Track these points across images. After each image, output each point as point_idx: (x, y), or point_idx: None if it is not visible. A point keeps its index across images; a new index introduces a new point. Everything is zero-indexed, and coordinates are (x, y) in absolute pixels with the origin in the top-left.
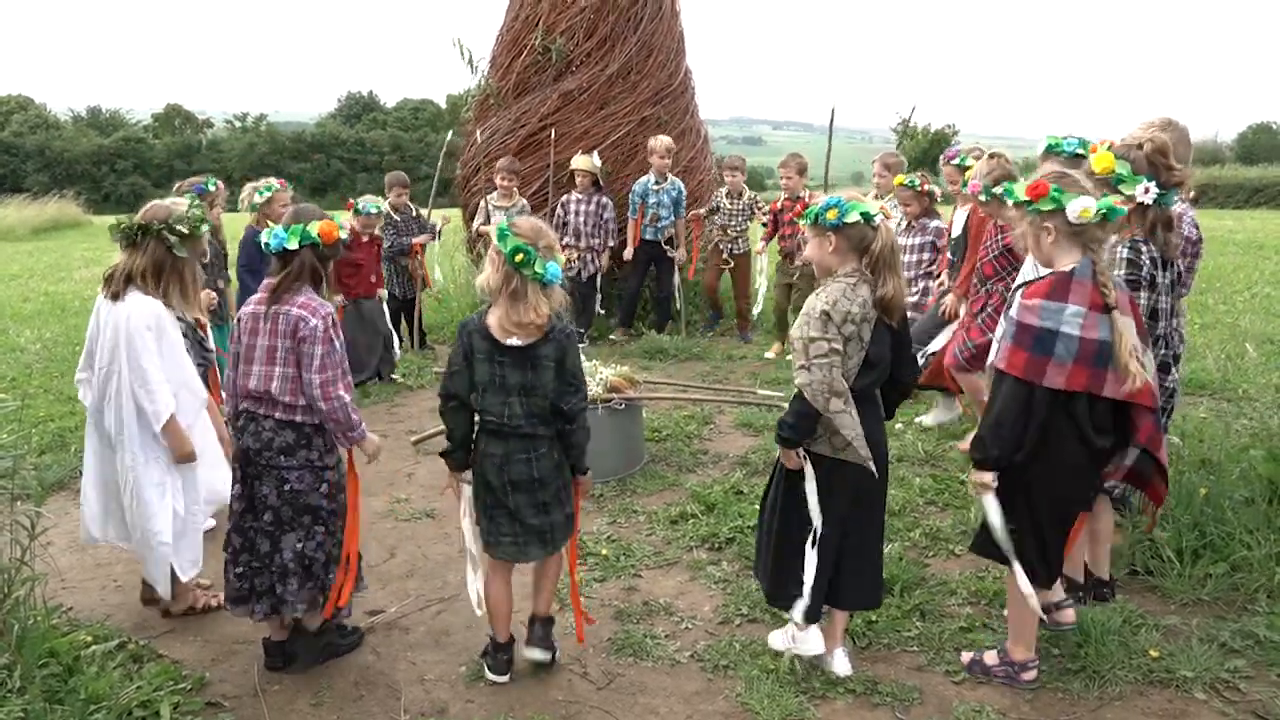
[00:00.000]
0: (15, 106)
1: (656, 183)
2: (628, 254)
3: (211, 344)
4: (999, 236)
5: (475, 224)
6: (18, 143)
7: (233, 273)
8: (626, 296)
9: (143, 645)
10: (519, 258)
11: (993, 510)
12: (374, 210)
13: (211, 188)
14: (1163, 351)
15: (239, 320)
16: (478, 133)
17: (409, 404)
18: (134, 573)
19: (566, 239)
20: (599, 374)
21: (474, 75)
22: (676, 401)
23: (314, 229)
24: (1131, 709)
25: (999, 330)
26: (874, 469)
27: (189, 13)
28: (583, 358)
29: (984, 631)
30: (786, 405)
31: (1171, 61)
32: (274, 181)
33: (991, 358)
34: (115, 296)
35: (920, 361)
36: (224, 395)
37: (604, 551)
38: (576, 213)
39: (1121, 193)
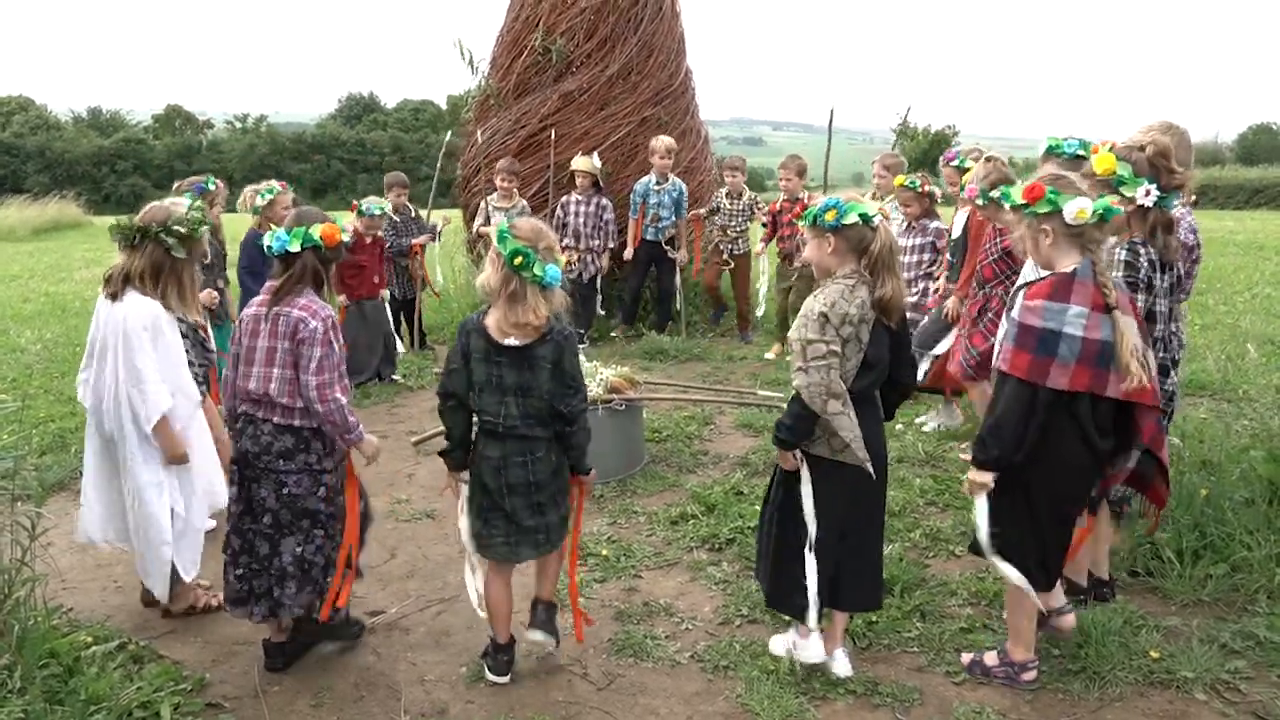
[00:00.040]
0: (16, 107)
1: (657, 183)
2: (628, 254)
3: (213, 345)
4: (998, 240)
5: (475, 225)
6: (18, 143)
7: (232, 274)
8: (628, 294)
9: (143, 646)
10: (518, 260)
11: (982, 510)
12: (378, 212)
13: (211, 187)
14: (1161, 354)
15: (240, 322)
16: (478, 133)
17: (409, 405)
18: (135, 574)
19: (566, 240)
20: (599, 375)
21: (474, 76)
22: (677, 402)
23: (316, 231)
24: (1132, 710)
25: (1000, 332)
26: (872, 470)
27: (189, 14)
28: (583, 359)
29: (984, 632)
30: (786, 406)
31: (1172, 62)
32: (275, 184)
33: (994, 360)
34: (113, 297)
35: (925, 365)
36: (222, 396)
37: (604, 552)
38: (576, 214)
39: (1122, 194)
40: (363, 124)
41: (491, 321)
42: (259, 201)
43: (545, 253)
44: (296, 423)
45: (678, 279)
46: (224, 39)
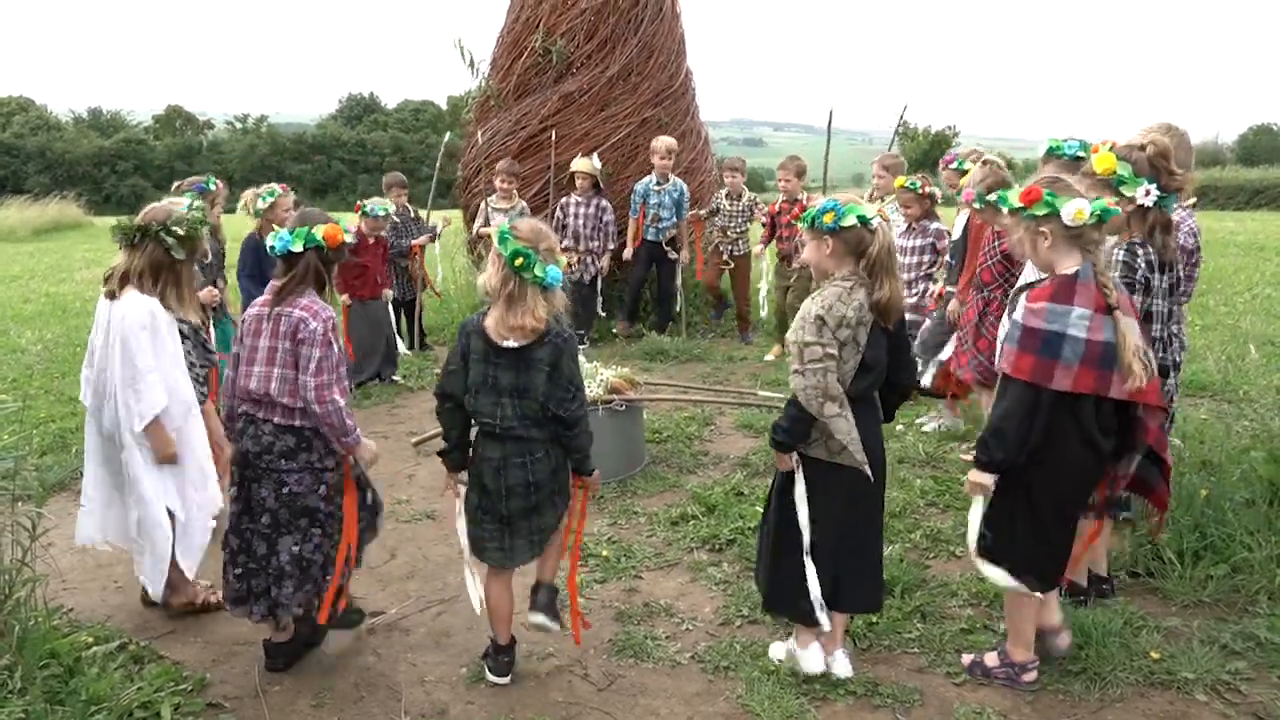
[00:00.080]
0: (16, 108)
1: (658, 183)
2: (627, 253)
3: (214, 345)
4: (996, 243)
5: (475, 226)
6: (19, 144)
7: (232, 276)
8: (630, 290)
9: (143, 646)
10: (519, 261)
11: (977, 512)
12: (382, 213)
13: (212, 187)
14: (1161, 355)
15: (243, 322)
16: (479, 134)
17: (410, 405)
18: (135, 574)
19: (566, 242)
20: (599, 375)
21: (475, 77)
22: (677, 403)
23: (319, 232)
24: (1132, 711)
25: (1000, 333)
26: (870, 472)
27: (190, 14)
28: (583, 359)
29: (985, 633)
30: (783, 408)
31: (1173, 63)
32: (276, 187)
33: (996, 361)
34: (112, 295)
35: (932, 370)
36: (221, 395)
37: (605, 553)
38: (576, 215)
39: (1122, 194)
40: (363, 124)
41: (490, 323)
42: (260, 204)
43: (546, 254)
44: (297, 423)
45: (678, 280)
46: (224, 39)
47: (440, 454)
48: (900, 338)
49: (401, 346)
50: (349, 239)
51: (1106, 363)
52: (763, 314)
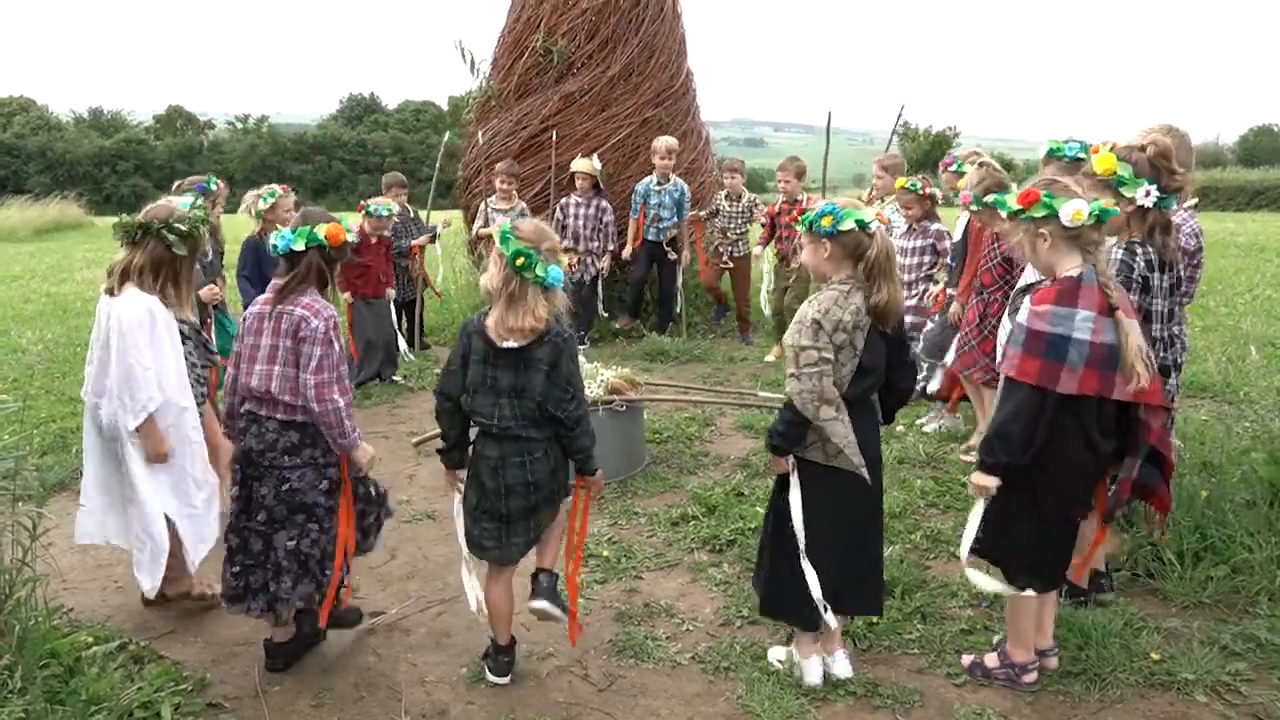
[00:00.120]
0: (17, 108)
1: (659, 184)
2: (626, 252)
3: (215, 345)
4: (996, 244)
5: (475, 227)
6: (19, 144)
7: (231, 275)
8: (631, 290)
9: (144, 646)
10: (520, 261)
11: (977, 515)
12: (386, 213)
13: (213, 187)
14: (1161, 355)
15: (244, 320)
16: (479, 134)
17: (410, 405)
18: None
19: (565, 242)
20: (600, 376)
21: (475, 77)
22: (677, 403)
23: (321, 231)
24: (1132, 712)
25: (1001, 334)
26: (867, 476)
27: (190, 14)
28: (583, 360)
29: (985, 634)
30: (779, 412)
31: (1173, 63)
32: (276, 188)
33: (1000, 364)
34: (111, 292)
35: (939, 376)
36: (220, 394)
37: (605, 553)
38: (576, 216)
39: (1122, 194)
40: (364, 125)
41: (490, 323)
42: (260, 206)
43: (548, 254)
44: (299, 419)
45: (679, 281)
46: (225, 40)
47: (439, 452)
48: (899, 342)
49: (402, 346)
50: (351, 238)
51: (1110, 364)
52: (765, 313)
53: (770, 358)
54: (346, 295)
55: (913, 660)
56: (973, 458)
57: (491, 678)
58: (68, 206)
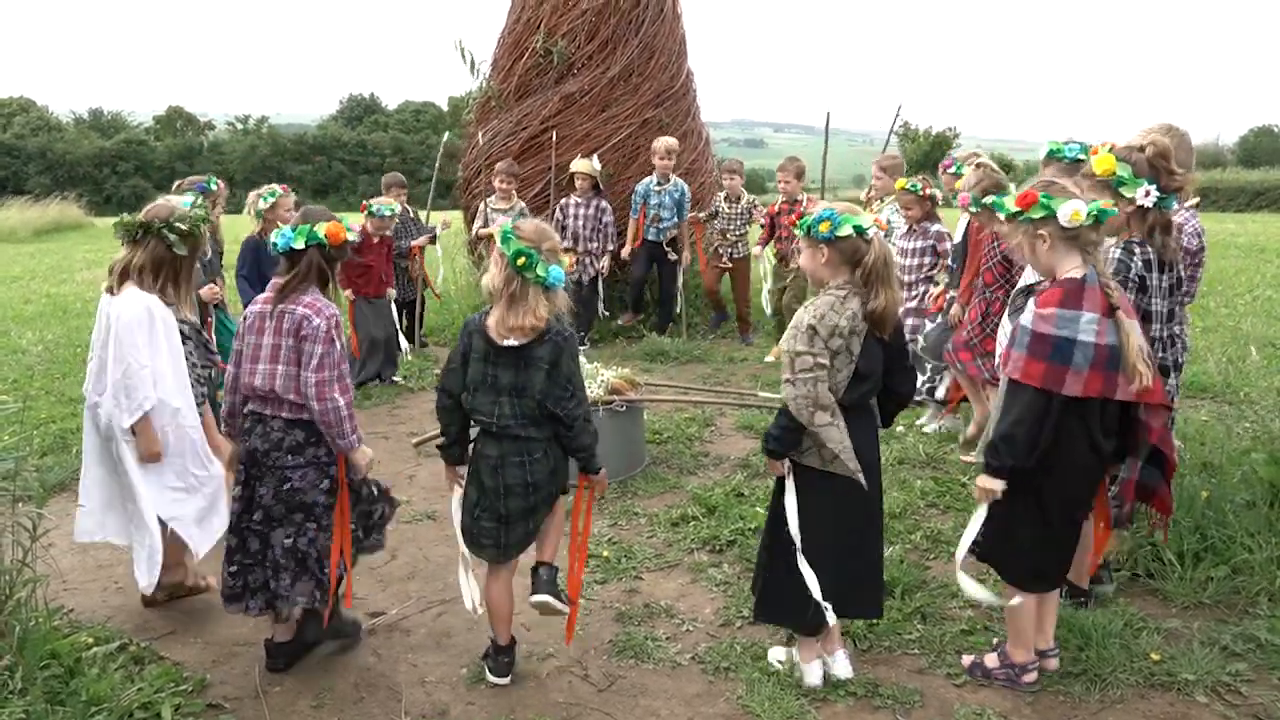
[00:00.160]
0: (17, 109)
1: (659, 184)
2: (625, 252)
3: (215, 345)
4: (996, 243)
5: (474, 227)
6: (20, 145)
7: (230, 275)
8: (632, 285)
9: (144, 647)
10: (521, 261)
11: (979, 519)
12: (388, 213)
13: (213, 187)
14: (1161, 355)
15: (244, 319)
16: (479, 135)
17: (410, 406)
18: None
19: (565, 243)
20: (600, 376)
21: (475, 78)
22: (678, 404)
23: (321, 230)
24: (1133, 712)
25: (1001, 335)
26: (863, 481)
27: (190, 15)
28: (583, 360)
29: (985, 634)
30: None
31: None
32: (277, 188)
33: (1003, 367)
34: (111, 291)
35: (946, 380)
36: (222, 393)
37: (605, 553)
38: (575, 216)
39: (1122, 195)
40: (364, 125)
41: (491, 322)
42: (261, 205)
43: (549, 254)
44: (304, 418)
45: (679, 281)
46: (225, 40)
47: (440, 448)
48: (897, 347)
49: (404, 345)
50: (351, 237)
51: (1113, 365)
52: (766, 312)
53: (770, 358)
54: (348, 293)
55: (913, 660)
56: (972, 458)
57: (492, 678)
58: (68, 207)
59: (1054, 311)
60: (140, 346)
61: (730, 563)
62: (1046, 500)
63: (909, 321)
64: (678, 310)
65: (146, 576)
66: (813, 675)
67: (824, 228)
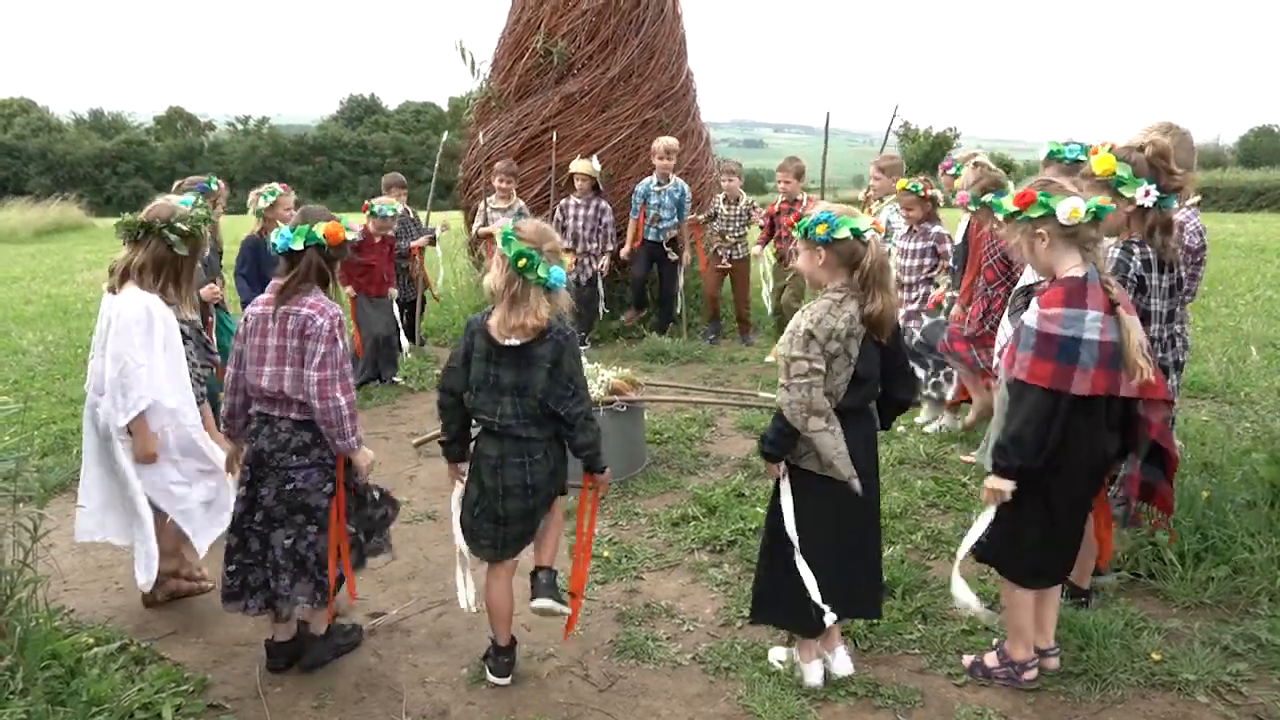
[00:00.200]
0: (18, 109)
1: (659, 184)
2: (624, 252)
3: (215, 346)
4: (995, 241)
5: (474, 226)
6: (20, 145)
7: (229, 275)
8: (634, 284)
9: (145, 647)
10: (522, 262)
11: (986, 520)
12: (390, 213)
13: (214, 187)
14: (1161, 355)
15: (246, 320)
16: (480, 135)
17: (411, 406)
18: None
19: (564, 243)
20: (601, 376)
21: (476, 78)
22: (678, 404)
23: (320, 229)
24: (1133, 712)
25: (1001, 335)
26: (858, 487)
27: (191, 16)
28: (584, 360)
29: (985, 634)
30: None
31: (1174, 64)
32: (277, 186)
33: (1006, 368)
34: (112, 290)
35: (955, 385)
36: (222, 394)
37: (605, 553)
38: (575, 217)
39: (1122, 195)
40: (364, 126)
41: (493, 322)
42: (261, 204)
43: (550, 255)
44: (313, 418)
45: (680, 281)
46: (225, 41)
47: (441, 444)
48: (895, 351)
49: (404, 344)
50: (350, 236)
51: (1116, 362)
52: (768, 310)
53: (770, 358)
54: (349, 289)
55: (914, 660)
56: (973, 457)
57: (492, 678)
58: (68, 208)
59: (1059, 311)
60: (138, 346)
61: (731, 563)
62: (1054, 500)
63: (910, 325)
64: (678, 311)
65: (145, 575)
66: (813, 675)
67: (821, 230)
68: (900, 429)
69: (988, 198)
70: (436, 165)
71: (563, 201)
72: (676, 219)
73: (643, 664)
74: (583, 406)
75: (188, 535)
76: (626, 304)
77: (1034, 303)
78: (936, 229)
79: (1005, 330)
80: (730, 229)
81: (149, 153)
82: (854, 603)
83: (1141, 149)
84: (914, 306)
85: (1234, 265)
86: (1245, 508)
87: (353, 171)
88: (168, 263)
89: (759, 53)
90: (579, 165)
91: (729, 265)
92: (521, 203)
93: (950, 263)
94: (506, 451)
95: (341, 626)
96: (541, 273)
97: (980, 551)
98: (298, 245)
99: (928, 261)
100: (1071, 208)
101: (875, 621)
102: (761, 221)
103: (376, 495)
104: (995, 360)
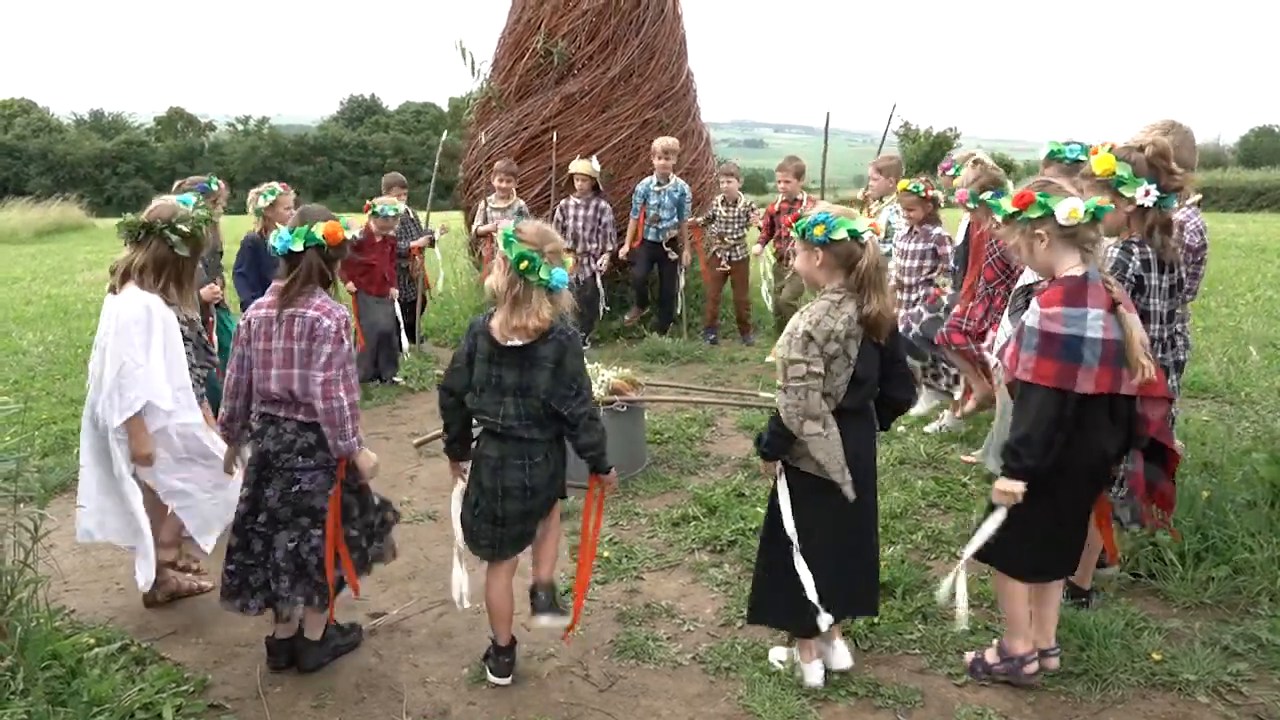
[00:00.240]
0: (18, 110)
1: (658, 184)
2: (623, 251)
3: (215, 347)
4: (994, 240)
5: (474, 226)
6: (21, 146)
7: (228, 275)
8: (635, 284)
9: (145, 648)
10: (524, 264)
11: (995, 522)
12: (392, 213)
13: (214, 187)
14: (1161, 355)
15: (249, 324)
16: (480, 135)
17: (411, 406)
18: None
19: (565, 244)
20: (601, 376)
21: (476, 78)
22: (678, 404)
23: (319, 230)
24: (1134, 712)
25: (1000, 336)
26: (850, 493)
27: (191, 16)
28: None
29: (986, 634)
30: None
31: (1173, 64)
32: (276, 186)
33: (1009, 368)
34: (113, 290)
35: (960, 391)
36: (223, 396)
37: (606, 554)
38: (575, 217)
39: (1122, 195)
40: (365, 126)
41: (495, 324)
42: (260, 203)
43: (551, 256)
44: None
45: (680, 281)
46: (226, 41)
47: (444, 443)
48: (893, 352)
49: (405, 343)
50: (349, 235)
51: (1119, 360)
52: (769, 308)
53: (771, 358)
54: (350, 285)
55: (914, 660)
56: (973, 458)
57: (492, 678)
58: (69, 208)
59: (1059, 310)
60: (137, 346)
61: (731, 563)
62: (1062, 500)
63: (909, 319)
64: (678, 311)
65: (144, 575)
66: (813, 675)
67: (819, 231)
68: (900, 429)
69: (986, 196)
70: (436, 165)
71: (563, 201)
72: (676, 219)
73: (643, 664)
74: (586, 407)
75: (186, 526)
76: (627, 304)
77: (1034, 303)
78: (937, 231)
79: (1005, 329)
80: (729, 231)
81: (149, 153)
82: (853, 603)
83: (1141, 149)
84: (914, 310)
85: (1234, 265)
86: (1245, 508)
87: (353, 172)
88: (169, 263)
89: (759, 53)
90: (579, 165)
91: (728, 268)
92: (521, 202)
93: (950, 264)
94: (508, 453)
95: (340, 627)
96: (543, 274)
97: (979, 553)
98: (297, 246)
99: (928, 263)
100: (1070, 208)
101: (876, 621)
102: (760, 224)
103: (377, 501)
104: (994, 360)
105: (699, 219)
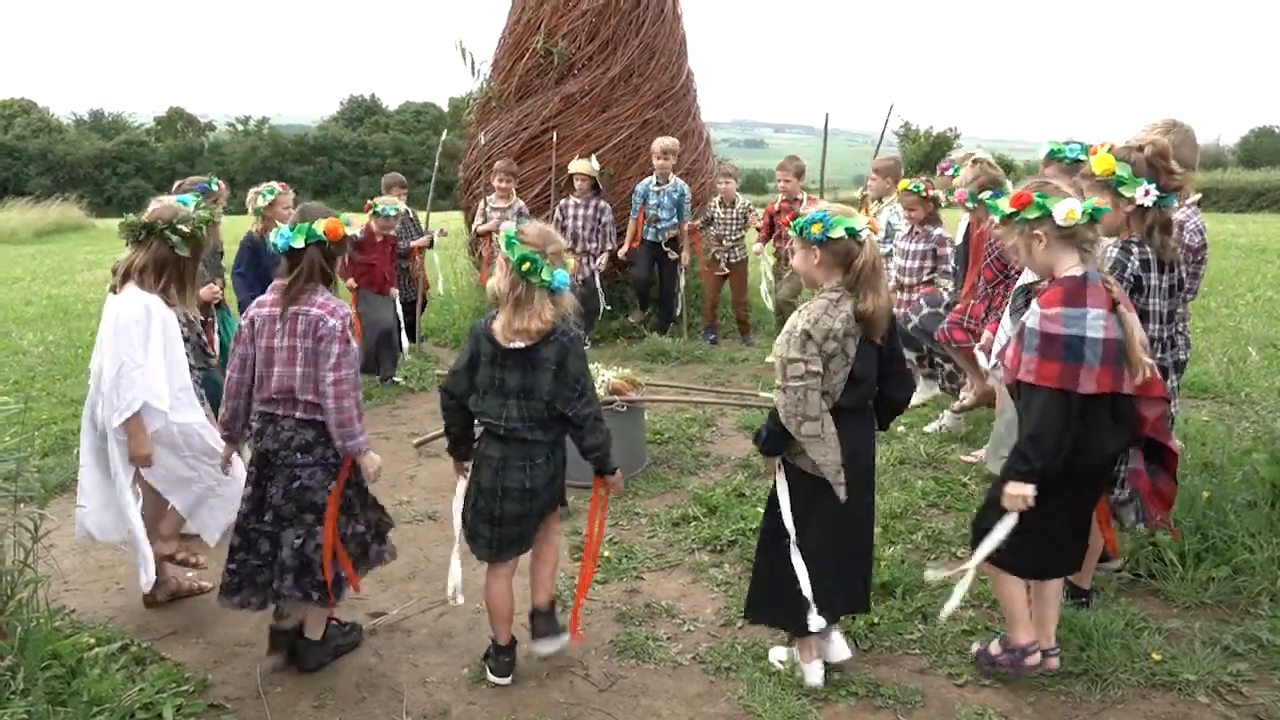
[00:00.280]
0: (18, 110)
1: (658, 184)
2: (623, 252)
3: (215, 348)
4: (993, 240)
5: (474, 225)
6: (20, 146)
7: (227, 275)
8: (637, 284)
9: (145, 647)
10: (526, 266)
11: (1006, 526)
12: (393, 213)
13: (215, 187)
14: (1161, 355)
15: (250, 323)
16: (480, 135)
17: (411, 406)
18: (137, 575)
19: (565, 244)
20: (601, 376)
21: (476, 78)
22: (678, 404)
23: (319, 227)
24: (1134, 712)
25: (1000, 336)
26: (842, 495)
27: (191, 16)
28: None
29: (986, 634)
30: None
31: (1173, 64)
32: (276, 185)
33: (1011, 369)
34: (113, 290)
35: (969, 383)
36: (223, 396)
37: (606, 554)
38: (575, 217)
39: (1121, 195)
40: (364, 126)
41: (498, 326)
42: (260, 202)
43: (553, 257)
44: (317, 417)
45: (680, 281)
46: (226, 41)
47: (447, 443)
48: (891, 352)
49: (405, 343)
50: (350, 231)
51: (1120, 359)
52: (769, 308)
53: (771, 358)
54: (350, 282)
55: (914, 660)
56: (973, 458)
57: (493, 678)
58: (69, 208)
59: (1059, 311)
60: (137, 346)
61: (731, 563)
62: (1065, 500)
63: (907, 311)
64: (678, 311)
65: (144, 575)
66: (814, 675)
67: (816, 229)
68: (900, 428)
69: (984, 195)
70: (436, 165)
71: (562, 201)
72: (675, 219)
73: (643, 664)
74: (591, 408)
75: (195, 530)
76: (626, 304)
77: (1034, 304)
78: (938, 231)
79: (1005, 328)
80: (727, 232)
81: (149, 153)
82: (851, 602)
83: (1141, 149)
84: (915, 301)
85: (1234, 265)
86: (1246, 508)
87: (353, 172)
88: (169, 264)
89: (759, 53)
90: (578, 165)
91: (726, 270)
92: (521, 202)
93: (951, 265)
94: (510, 454)
95: (340, 627)
96: (545, 276)
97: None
98: (298, 243)
99: (928, 264)
100: (1067, 209)
101: (876, 621)
102: (758, 225)
103: (374, 500)
104: (992, 360)
105: (696, 222)
